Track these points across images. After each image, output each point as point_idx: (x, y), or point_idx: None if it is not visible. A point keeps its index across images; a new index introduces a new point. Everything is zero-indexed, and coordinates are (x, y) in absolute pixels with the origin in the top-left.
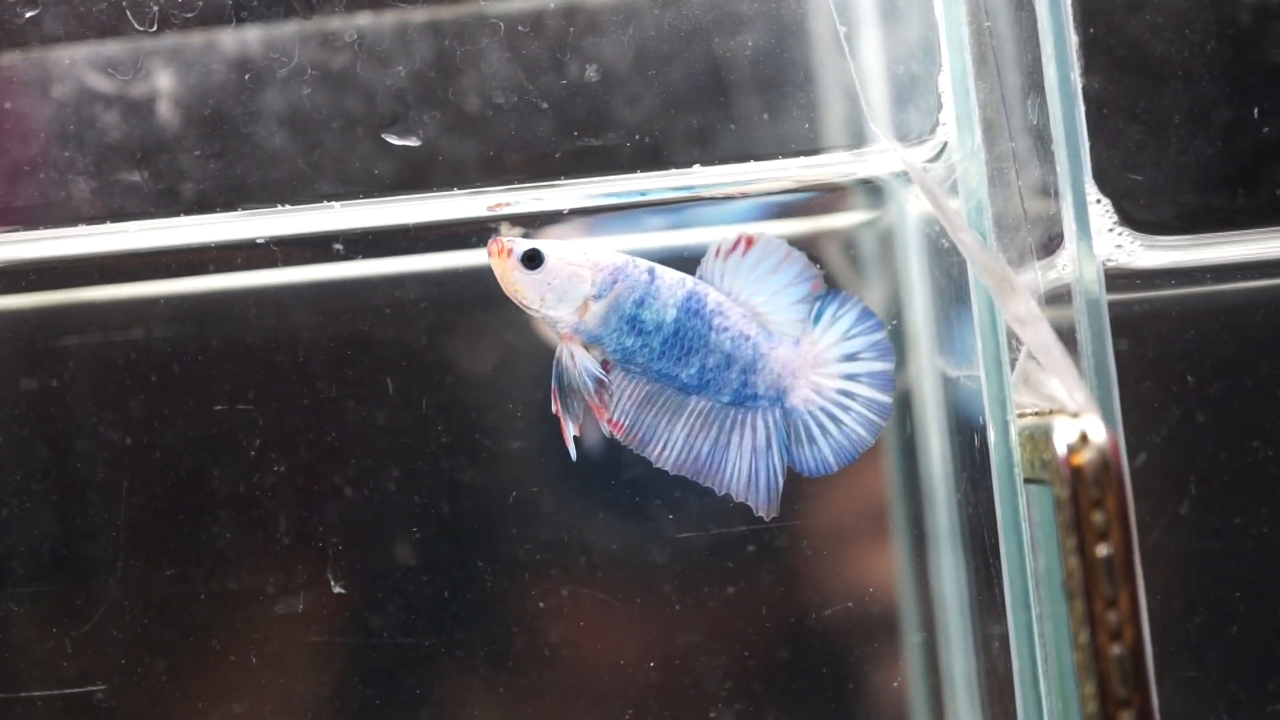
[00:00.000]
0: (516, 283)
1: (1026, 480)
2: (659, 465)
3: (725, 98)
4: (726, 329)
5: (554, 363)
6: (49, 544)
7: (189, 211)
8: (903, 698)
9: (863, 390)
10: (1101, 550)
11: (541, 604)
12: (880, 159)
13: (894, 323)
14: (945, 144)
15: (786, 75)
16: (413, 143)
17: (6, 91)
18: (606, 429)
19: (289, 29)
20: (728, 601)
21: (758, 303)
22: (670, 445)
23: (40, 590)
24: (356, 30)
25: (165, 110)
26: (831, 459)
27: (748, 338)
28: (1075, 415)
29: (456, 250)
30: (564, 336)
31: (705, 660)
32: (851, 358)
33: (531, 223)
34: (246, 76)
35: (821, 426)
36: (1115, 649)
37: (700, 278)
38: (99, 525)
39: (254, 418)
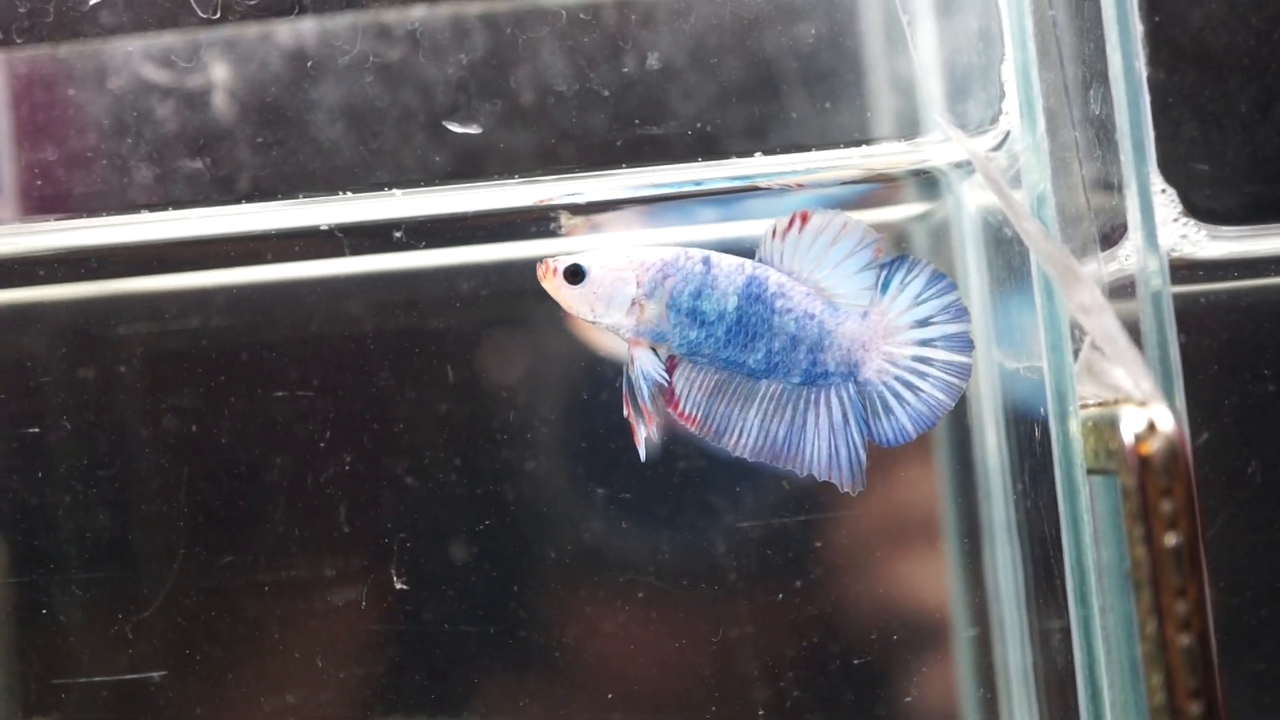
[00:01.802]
0: (566, 299)
1: (1089, 471)
2: (736, 454)
3: (782, 88)
4: (790, 310)
5: (624, 368)
6: (111, 531)
7: (250, 199)
8: (955, 692)
9: (939, 354)
10: (1170, 540)
11: (600, 594)
12: (938, 149)
13: None
14: (1007, 134)
15: (844, 66)
16: (474, 130)
17: (67, 80)
18: (685, 425)
19: (347, 20)
20: (782, 593)
21: (821, 277)
22: (745, 433)
23: (102, 576)
24: (418, 21)
25: (225, 99)
26: (910, 427)
27: (812, 316)
28: (1142, 404)
29: (517, 240)
30: (631, 341)
31: (758, 652)
32: (924, 323)
33: (589, 211)
34: (309, 64)
35: (898, 396)
36: (1184, 639)
37: (759, 261)
38: (161, 513)
39: (315, 407)
